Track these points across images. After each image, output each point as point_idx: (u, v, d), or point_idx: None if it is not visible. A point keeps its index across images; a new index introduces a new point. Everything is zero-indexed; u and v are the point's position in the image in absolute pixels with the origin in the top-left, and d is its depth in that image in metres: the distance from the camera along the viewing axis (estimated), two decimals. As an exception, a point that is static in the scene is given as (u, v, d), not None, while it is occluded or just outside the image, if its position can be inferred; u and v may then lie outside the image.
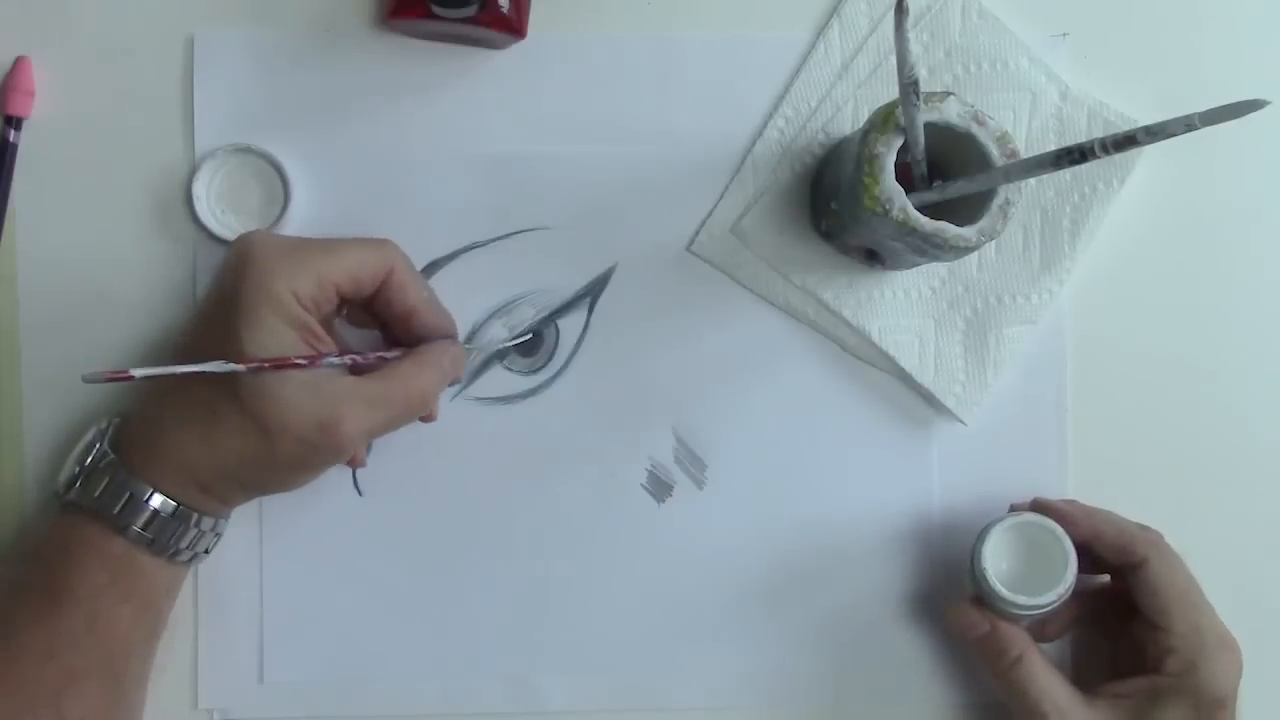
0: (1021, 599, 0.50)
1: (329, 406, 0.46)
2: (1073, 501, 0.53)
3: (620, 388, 0.55)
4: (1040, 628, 0.53)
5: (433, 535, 0.54)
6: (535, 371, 0.55)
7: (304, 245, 0.48)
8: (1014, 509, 0.53)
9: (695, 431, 0.55)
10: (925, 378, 0.55)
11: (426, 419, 0.52)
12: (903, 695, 0.56)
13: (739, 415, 0.55)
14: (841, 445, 0.55)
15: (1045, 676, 0.50)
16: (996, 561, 0.51)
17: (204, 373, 0.44)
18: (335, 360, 0.47)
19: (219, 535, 0.50)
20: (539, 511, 0.55)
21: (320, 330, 0.47)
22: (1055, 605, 0.50)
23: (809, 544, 0.55)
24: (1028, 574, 0.51)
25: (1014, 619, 0.51)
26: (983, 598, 0.51)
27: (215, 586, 0.53)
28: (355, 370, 0.48)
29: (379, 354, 0.49)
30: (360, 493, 0.54)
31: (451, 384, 0.53)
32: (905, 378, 0.55)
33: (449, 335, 0.52)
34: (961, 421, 0.55)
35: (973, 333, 0.55)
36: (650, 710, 0.55)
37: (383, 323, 0.51)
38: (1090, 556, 0.51)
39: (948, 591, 0.55)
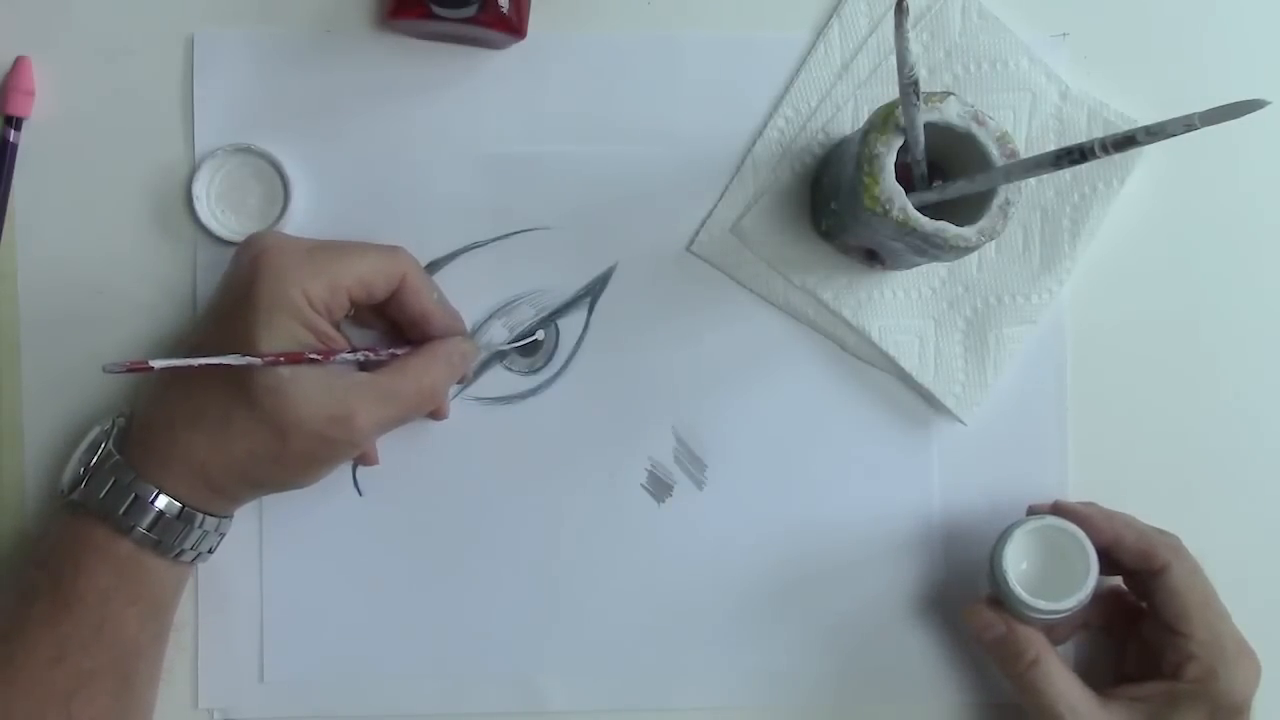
0: (1042, 603, 0.49)
1: (341, 401, 0.46)
2: (1092, 504, 0.53)
3: (620, 388, 0.55)
4: (1050, 630, 0.53)
5: (433, 535, 0.54)
6: (535, 371, 0.55)
7: (318, 249, 0.48)
8: (1033, 511, 0.53)
9: (695, 431, 0.55)
10: (925, 378, 0.55)
11: (436, 415, 0.53)
12: (902, 694, 0.56)
13: (739, 415, 0.55)
14: (841, 445, 0.55)
15: (1062, 679, 0.50)
16: (1017, 564, 0.50)
17: (220, 366, 0.44)
18: (348, 356, 0.48)
19: (223, 534, 0.50)
20: (539, 511, 0.55)
21: (332, 332, 0.48)
22: (1074, 610, 0.50)
23: (808, 544, 0.55)
24: (1046, 577, 0.50)
25: (1029, 621, 0.51)
26: (1000, 599, 0.51)
27: (215, 586, 0.53)
28: (365, 366, 0.49)
29: (391, 350, 0.50)
30: (360, 493, 0.54)
31: (459, 380, 0.53)
32: (905, 378, 0.55)
33: (458, 334, 0.52)
34: (961, 421, 0.55)
35: (973, 333, 0.55)
36: (651, 710, 0.55)
37: (393, 323, 0.51)
38: (1107, 560, 0.51)
39: (948, 591, 0.55)
